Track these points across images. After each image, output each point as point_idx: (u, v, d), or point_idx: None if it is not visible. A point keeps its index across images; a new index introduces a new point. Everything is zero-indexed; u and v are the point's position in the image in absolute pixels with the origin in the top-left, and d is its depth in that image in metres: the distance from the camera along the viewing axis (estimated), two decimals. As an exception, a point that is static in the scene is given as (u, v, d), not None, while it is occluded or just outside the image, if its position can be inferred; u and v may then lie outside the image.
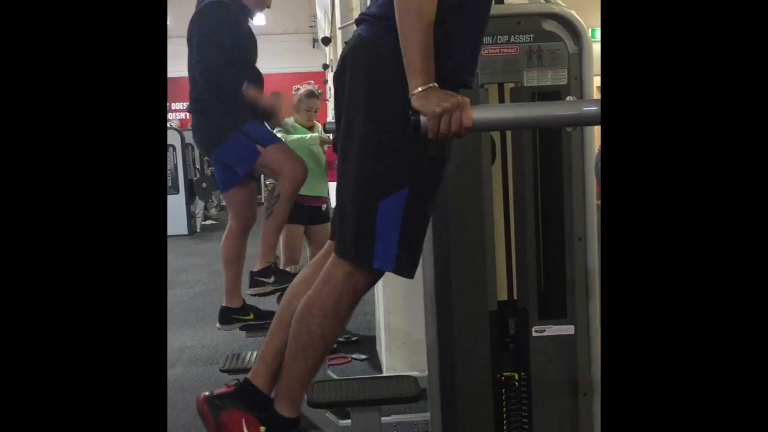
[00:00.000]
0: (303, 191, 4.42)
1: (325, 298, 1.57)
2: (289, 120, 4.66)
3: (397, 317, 3.71)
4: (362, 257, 1.55)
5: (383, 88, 1.49)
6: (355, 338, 4.73)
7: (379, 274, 1.61)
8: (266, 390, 1.68)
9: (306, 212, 4.42)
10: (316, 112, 4.62)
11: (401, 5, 1.42)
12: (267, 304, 4.37)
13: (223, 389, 1.70)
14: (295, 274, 3.28)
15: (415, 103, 1.41)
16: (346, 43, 1.66)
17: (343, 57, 1.61)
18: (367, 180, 1.54)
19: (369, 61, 1.53)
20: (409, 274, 1.61)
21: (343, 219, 1.60)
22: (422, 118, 1.40)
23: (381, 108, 1.50)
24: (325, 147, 4.42)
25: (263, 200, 4.68)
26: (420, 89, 1.40)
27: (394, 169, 1.51)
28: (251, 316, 3.37)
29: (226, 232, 3.38)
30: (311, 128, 4.58)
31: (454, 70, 1.54)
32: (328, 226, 4.52)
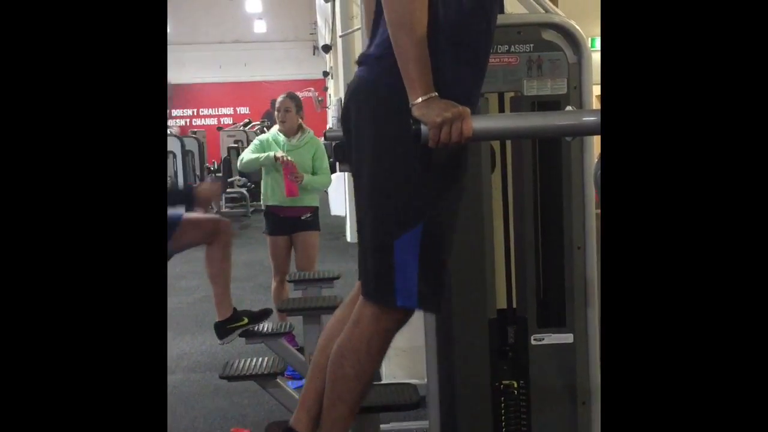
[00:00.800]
0: (275, 202, 4.38)
1: (356, 340, 1.58)
2: (273, 130, 4.55)
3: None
4: (384, 296, 1.55)
5: (388, 129, 1.50)
6: None
7: (407, 313, 1.60)
8: None
9: (286, 223, 4.36)
10: (287, 111, 4.41)
11: (393, 20, 1.43)
12: (264, 303, 4.35)
13: None
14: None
15: (416, 112, 1.42)
16: (348, 85, 1.67)
17: (347, 100, 1.62)
18: (381, 219, 1.55)
19: (372, 103, 1.54)
20: (434, 308, 1.62)
21: (364, 259, 1.61)
22: (423, 127, 1.41)
23: (388, 148, 1.51)
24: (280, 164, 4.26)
25: (263, 205, 4.59)
26: (420, 99, 1.41)
27: (406, 207, 1.52)
28: (245, 321, 3.36)
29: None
30: (296, 134, 4.43)
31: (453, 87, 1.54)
32: (312, 233, 4.45)
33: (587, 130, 1.67)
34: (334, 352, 1.61)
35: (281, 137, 4.43)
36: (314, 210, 4.46)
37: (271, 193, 4.39)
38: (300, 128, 4.48)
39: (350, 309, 1.70)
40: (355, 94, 1.59)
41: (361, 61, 1.62)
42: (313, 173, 4.41)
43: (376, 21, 1.60)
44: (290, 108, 4.43)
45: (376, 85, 1.54)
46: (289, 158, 4.27)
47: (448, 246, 1.60)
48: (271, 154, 4.30)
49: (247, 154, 4.47)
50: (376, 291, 1.56)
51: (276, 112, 4.48)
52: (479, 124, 1.45)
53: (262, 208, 4.57)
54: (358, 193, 1.61)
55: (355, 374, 1.58)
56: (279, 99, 4.49)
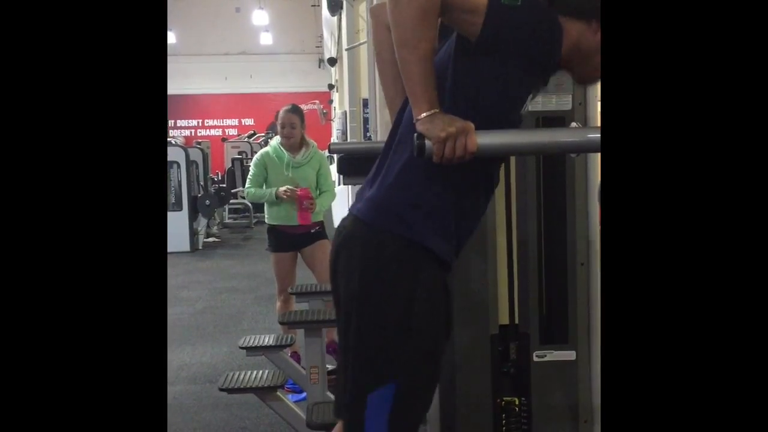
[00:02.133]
0: (283, 221, 4.30)
1: None
2: (274, 142, 4.39)
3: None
4: None
5: (377, 281, 1.50)
6: None
7: None
8: None
9: (294, 239, 4.25)
10: (293, 127, 4.22)
11: (398, 38, 1.42)
12: (266, 315, 4.34)
13: None
14: None
15: (420, 127, 1.41)
16: (340, 227, 1.61)
17: (338, 244, 1.59)
18: (359, 372, 1.53)
19: (364, 252, 1.52)
20: None
21: (341, 411, 1.59)
22: (427, 142, 1.40)
23: (374, 301, 1.50)
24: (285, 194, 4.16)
25: (265, 220, 4.56)
26: (424, 115, 1.41)
27: (383, 362, 1.51)
28: None
29: None
30: (299, 149, 4.28)
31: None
32: (325, 242, 4.36)
33: (591, 148, 1.67)
34: None
35: (285, 154, 4.26)
36: (320, 223, 4.38)
37: (276, 215, 4.27)
38: (303, 141, 4.32)
39: None
40: (348, 239, 1.56)
41: (359, 199, 1.59)
42: (317, 188, 4.31)
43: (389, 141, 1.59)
44: (296, 124, 4.25)
45: (371, 232, 1.52)
46: (293, 189, 4.16)
47: (422, 409, 1.57)
48: (273, 191, 4.18)
49: (251, 188, 4.31)
50: None
51: (280, 128, 4.28)
52: (483, 139, 1.44)
53: (266, 223, 4.46)
54: (344, 347, 1.57)
55: None
56: (281, 114, 4.28)
